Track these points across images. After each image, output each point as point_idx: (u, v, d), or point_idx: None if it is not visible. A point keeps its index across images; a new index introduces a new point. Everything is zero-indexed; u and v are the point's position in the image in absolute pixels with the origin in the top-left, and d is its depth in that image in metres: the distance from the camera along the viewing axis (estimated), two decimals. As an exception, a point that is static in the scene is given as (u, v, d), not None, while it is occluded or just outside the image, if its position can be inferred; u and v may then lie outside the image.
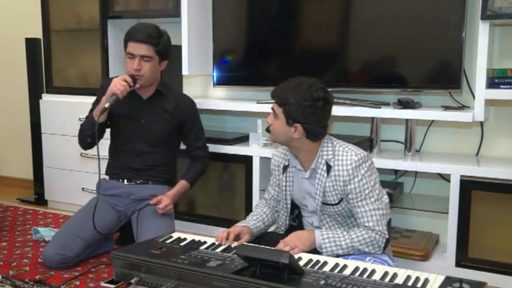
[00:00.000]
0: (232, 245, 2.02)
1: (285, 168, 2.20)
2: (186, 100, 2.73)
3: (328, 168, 2.04)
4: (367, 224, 1.98)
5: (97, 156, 3.28)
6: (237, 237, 2.08)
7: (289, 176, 2.18)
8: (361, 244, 1.96)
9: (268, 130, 2.14)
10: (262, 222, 2.23)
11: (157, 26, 2.59)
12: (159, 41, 2.52)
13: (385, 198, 2.07)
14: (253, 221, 2.21)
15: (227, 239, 2.05)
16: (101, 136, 2.65)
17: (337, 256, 1.96)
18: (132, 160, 2.65)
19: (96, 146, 2.70)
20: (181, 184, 2.68)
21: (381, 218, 1.99)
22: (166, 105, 2.65)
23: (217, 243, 2.04)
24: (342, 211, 2.07)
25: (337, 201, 2.05)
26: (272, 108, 2.08)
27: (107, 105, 2.44)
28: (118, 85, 2.44)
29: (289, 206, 2.20)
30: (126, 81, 2.47)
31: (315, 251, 1.99)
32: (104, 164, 2.77)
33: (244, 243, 2.04)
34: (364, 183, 1.99)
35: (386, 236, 1.98)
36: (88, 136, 2.54)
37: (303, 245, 1.98)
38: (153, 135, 2.63)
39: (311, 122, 1.99)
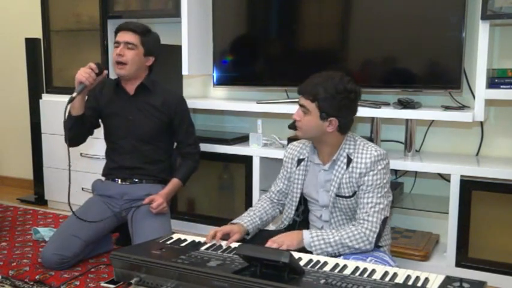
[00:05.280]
0: (222, 244, 2.01)
1: (299, 161, 2.21)
2: (174, 96, 2.72)
3: (349, 161, 2.07)
4: (363, 213, 2.01)
5: (97, 157, 3.31)
6: (227, 236, 2.07)
7: (302, 170, 2.20)
8: (350, 240, 1.96)
9: (292, 127, 2.15)
10: (259, 218, 2.23)
11: (149, 27, 2.65)
12: (146, 32, 2.58)
13: (390, 198, 2.08)
14: (249, 217, 2.20)
15: (215, 237, 2.04)
16: (86, 132, 2.64)
17: (335, 256, 1.96)
18: (124, 158, 2.65)
19: (82, 144, 2.69)
20: (174, 183, 2.67)
21: (379, 211, 2.00)
22: (153, 101, 2.64)
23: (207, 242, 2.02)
24: (354, 205, 2.08)
25: (351, 194, 2.07)
26: (301, 105, 2.06)
27: (74, 94, 2.42)
28: (82, 73, 2.44)
29: (297, 199, 2.21)
30: (90, 68, 2.46)
31: (304, 251, 1.98)
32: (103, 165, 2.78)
33: (237, 243, 2.02)
34: (378, 178, 2.03)
35: (377, 230, 1.98)
36: (69, 130, 2.50)
37: (291, 241, 1.99)
38: (142, 132, 2.63)
39: (344, 114, 2.03)
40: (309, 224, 2.26)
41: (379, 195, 2.02)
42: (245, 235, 2.15)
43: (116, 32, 2.60)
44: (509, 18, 2.36)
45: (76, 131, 2.57)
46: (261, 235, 2.18)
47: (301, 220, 2.26)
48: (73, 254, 2.47)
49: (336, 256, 1.97)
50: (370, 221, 1.98)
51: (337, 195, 2.09)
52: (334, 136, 2.07)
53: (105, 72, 2.53)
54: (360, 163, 2.05)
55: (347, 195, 2.08)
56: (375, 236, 1.98)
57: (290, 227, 2.22)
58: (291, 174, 2.24)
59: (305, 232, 2.02)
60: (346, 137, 2.11)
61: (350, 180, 2.06)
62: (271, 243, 1.98)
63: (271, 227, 2.88)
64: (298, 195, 2.21)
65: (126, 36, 2.54)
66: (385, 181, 2.05)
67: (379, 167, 2.03)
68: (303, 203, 2.26)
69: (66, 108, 2.43)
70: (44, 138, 3.64)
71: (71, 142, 2.59)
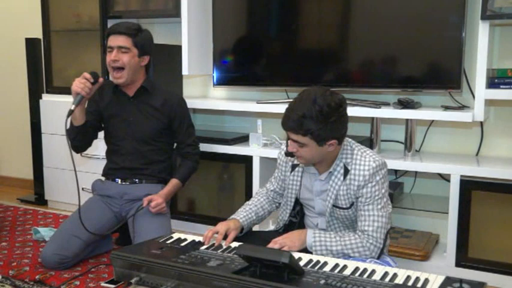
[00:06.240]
0: (222, 243, 2.01)
1: (294, 167, 2.17)
2: (174, 97, 2.72)
3: (346, 172, 2.01)
4: (366, 228, 1.96)
5: (97, 157, 3.31)
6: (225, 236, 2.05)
7: (297, 176, 2.16)
8: (353, 252, 1.94)
9: (290, 155, 2.03)
10: (255, 213, 2.20)
11: (139, 24, 2.65)
12: (137, 33, 2.56)
13: (390, 207, 2.04)
14: (245, 213, 2.18)
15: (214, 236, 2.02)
16: (90, 137, 2.67)
17: None
18: (124, 159, 2.65)
19: (88, 148, 2.72)
20: (173, 183, 2.67)
21: (382, 225, 1.96)
22: (154, 102, 2.65)
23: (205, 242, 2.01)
24: (351, 215, 2.05)
25: (348, 206, 2.03)
26: (293, 140, 1.93)
27: (72, 107, 2.42)
28: (78, 83, 2.43)
29: (292, 204, 2.19)
30: (85, 78, 2.46)
31: (306, 249, 1.98)
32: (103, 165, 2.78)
33: (237, 243, 2.01)
34: (377, 189, 1.98)
35: (381, 246, 1.96)
36: (73, 140, 2.53)
37: (293, 243, 1.97)
38: (142, 133, 2.63)
39: (340, 129, 1.94)
40: (305, 226, 2.24)
41: (379, 206, 1.97)
42: (241, 231, 2.13)
43: (107, 35, 2.57)
44: (509, 18, 2.36)
45: (81, 139, 2.60)
46: (260, 236, 2.17)
47: (298, 221, 2.24)
48: (73, 254, 2.47)
49: None
50: (374, 237, 1.95)
51: (334, 206, 2.05)
52: (334, 150, 1.99)
53: (101, 80, 2.52)
54: (358, 175, 1.99)
55: (344, 206, 2.03)
56: (378, 251, 1.96)
57: (287, 228, 2.20)
58: (285, 178, 2.21)
59: (308, 233, 2.00)
60: (342, 146, 2.03)
61: (348, 192, 2.01)
62: (273, 244, 1.96)
63: (271, 227, 2.88)
64: (293, 200, 2.18)
65: (118, 41, 2.52)
66: (383, 191, 2.00)
67: (377, 178, 1.98)
68: (300, 204, 2.23)
69: (66, 121, 2.43)
70: (44, 138, 3.64)
71: (78, 150, 2.64)
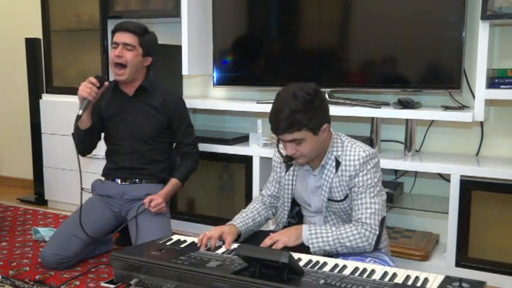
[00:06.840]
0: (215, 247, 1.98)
1: (288, 166, 2.18)
2: (173, 97, 2.72)
3: (337, 164, 2.04)
4: (360, 216, 1.98)
5: (97, 157, 3.31)
6: (220, 238, 2.02)
7: (292, 175, 2.17)
8: (349, 240, 1.94)
9: (290, 159, 2.05)
10: (252, 219, 2.19)
11: (146, 26, 2.66)
12: (144, 33, 2.58)
13: (384, 197, 2.06)
14: (241, 219, 2.16)
15: (208, 243, 1.99)
16: (96, 140, 2.68)
17: (332, 255, 1.96)
18: (124, 159, 2.65)
19: (93, 150, 2.73)
20: (173, 183, 2.66)
21: (375, 212, 1.97)
22: (153, 101, 2.65)
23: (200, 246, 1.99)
24: (347, 208, 2.06)
25: (342, 198, 2.05)
26: (289, 140, 1.95)
27: (80, 112, 2.43)
28: (84, 88, 2.43)
29: (289, 204, 2.19)
30: (91, 82, 2.46)
31: (303, 246, 1.97)
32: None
33: (236, 244, 2.00)
34: (368, 178, 2.00)
35: (377, 232, 1.96)
36: (79, 143, 2.53)
37: (288, 237, 1.97)
38: (142, 133, 2.63)
39: (327, 112, 1.99)
40: None
41: (372, 195, 1.99)
42: (238, 236, 2.11)
43: (113, 32, 2.59)
44: (509, 18, 2.36)
45: (87, 143, 2.61)
46: (260, 235, 2.17)
47: (297, 222, 2.24)
48: (73, 254, 2.47)
49: (335, 256, 1.97)
50: (368, 224, 1.96)
51: (329, 200, 2.07)
52: (327, 137, 2.03)
53: (106, 83, 2.53)
54: (349, 165, 2.01)
55: (339, 199, 2.05)
56: (375, 237, 1.95)
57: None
58: (281, 179, 2.21)
59: (304, 228, 2.00)
60: (332, 139, 2.05)
61: (341, 184, 2.03)
62: (269, 240, 1.97)
63: (271, 227, 2.88)
64: (290, 201, 2.19)
65: (124, 37, 2.53)
66: (376, 180, 2.01)
67: (369, 167, 2.00)
68: (298, 204, 2.24)
69: (74, 126, 2.45)
70: (44, 138, 3.65)
71: (84, 153, 2.66)
